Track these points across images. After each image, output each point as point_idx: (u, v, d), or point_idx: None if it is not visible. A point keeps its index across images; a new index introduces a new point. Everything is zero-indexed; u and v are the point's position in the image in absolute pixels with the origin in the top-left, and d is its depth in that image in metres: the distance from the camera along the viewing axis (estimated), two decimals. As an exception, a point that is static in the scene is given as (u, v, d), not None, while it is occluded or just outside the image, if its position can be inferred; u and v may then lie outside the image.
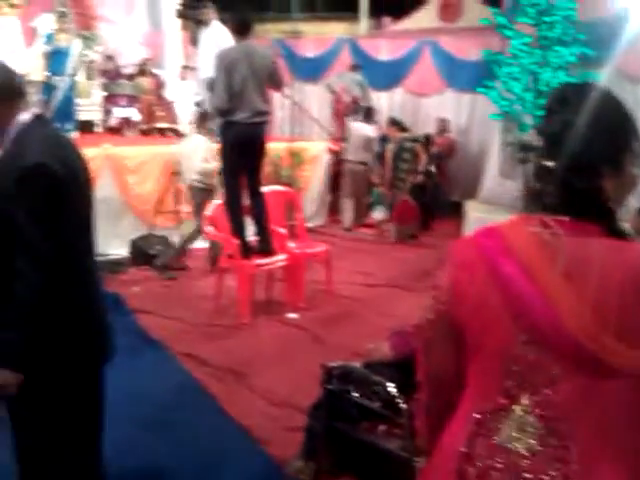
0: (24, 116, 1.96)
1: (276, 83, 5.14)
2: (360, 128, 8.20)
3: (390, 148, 8.06)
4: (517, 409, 1.16)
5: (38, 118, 1.99)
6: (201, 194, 5.99)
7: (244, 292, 5.05)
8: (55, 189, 1.87)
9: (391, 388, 2.58)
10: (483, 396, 1.20)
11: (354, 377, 2.71)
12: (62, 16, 7.79)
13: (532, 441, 1.14)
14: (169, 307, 5.21)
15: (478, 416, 1.19)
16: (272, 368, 4.20)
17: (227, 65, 4.80)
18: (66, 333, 1.96)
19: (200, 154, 6.04)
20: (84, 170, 2.07)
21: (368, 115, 8.45)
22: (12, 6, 8.53)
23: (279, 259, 5.15)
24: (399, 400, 2.51)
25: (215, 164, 5.80)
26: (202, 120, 6.35)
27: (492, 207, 7.53)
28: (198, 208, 5.86)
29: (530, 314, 1.12)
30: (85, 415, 2.09)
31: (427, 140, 8.87)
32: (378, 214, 8.28)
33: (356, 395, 2.67)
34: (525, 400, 1.15)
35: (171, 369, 4.20)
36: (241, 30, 4.94)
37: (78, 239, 2.03)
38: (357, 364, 2.92)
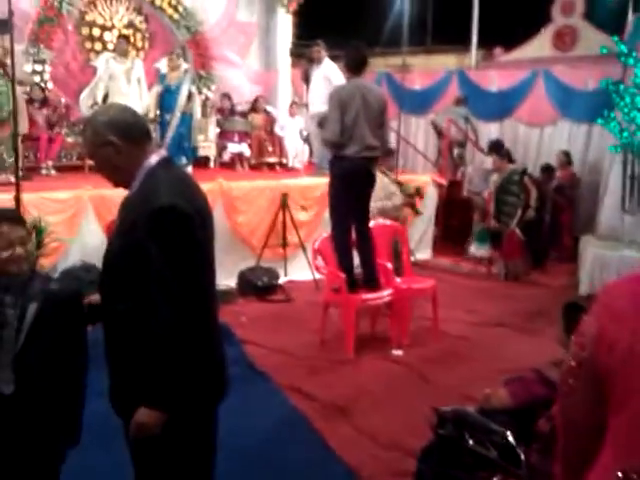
0: (152, 158, 2.00)
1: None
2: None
3: (495, 180, 7.72)
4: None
5: (165, 160, 2.03)
6: None
7: (349, 327, 5.01)
8: (187, 229, 1.88)
9: (510, 437, 2.44)
10: (627, 453, 1.11)
11: (469, 423, 2.58)
12: (173, 56, 8.19)
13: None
14: (275, 339, 5.26)
15: (620, 475, 1.10)
16: (377, 406, 4.11)
17: (340, 101, 4.87)
18: (194, 369, 1.94)
19: (381, 192, 6.09)
20: (208, 208, 2.09)
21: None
22: (137, 49, 9.18)
23: (385, 294, 5.08)
24: (518, 450, 2.37)
25: (395, 201, 5.85)
26: (382, 158, 6.35)
27: (611, 243, 7.10)
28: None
29: None
30: (201, 453, 2.09)
31: (546, 171, 8.54)
32: (477, 250, 7.93)
33: (471, 442, 2.54)
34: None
35: (276, 402, 4.20)
36: (355, 67, 5.00)
37: (205, 275, 2.04)
38: (471, 409, 2.79)
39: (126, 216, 1.98)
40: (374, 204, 6.06)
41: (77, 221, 5.81)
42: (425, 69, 11.31)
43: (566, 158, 8.77)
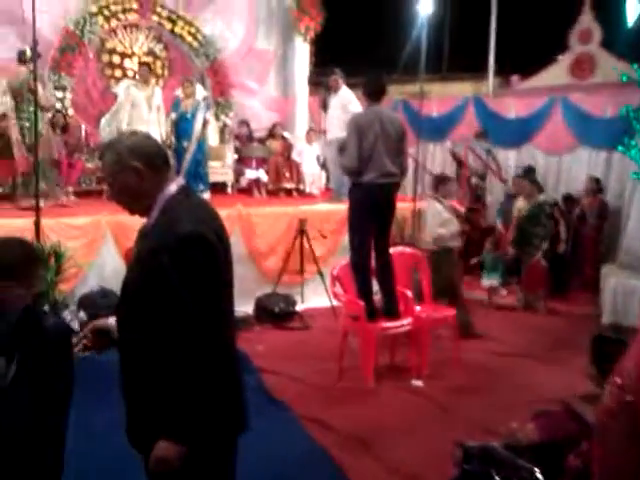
0: (171, 186, 1.98)
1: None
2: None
3: (521, 207, 7.54)
4: None
5: (183, 188, 2.01)
6: (440, 257, 5.94)
7: (369, 356, 4.93)
8: (210, 256, 1.87)
9: (539, 474, 2.36)
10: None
11: (497, 459, 2.50)
12: (187, 83, 8.26)
13: None
14: (293, 367, 5.19)
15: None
16: (398, 439, 4.02)
17: (358, 128, 4.87)
18: (215, 399, 1.90)
19: (435, 219, 6.07)
20: (226, 234, 2.07)
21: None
22: (157, 76, 9.29)
23: (405, 323, 5.01)
24: (547, 489, 2.28)
25: (452, 228, 5.84)
26: (437, 185, 6.34)
27: (633, 273, 6.97)
28: (437, 272, 5.73)
29: None
30: None
31: (568, 200, 8.44)
32: (489, 279, 7.58)
33: (498, 479, 2.46)
34: None
35: (295, 432, 4.13)
36: (374, 95, 5.01)
37: (225, 303, 2.01)
38: (497, 444, 2.71)
39: (146, 244, 1.95)
40: (429, 232, 6.04)
41: (95, 246, 5.83)
42: (441, 96, 11.33)
43: (596, 185, 8.44)
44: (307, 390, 4.79)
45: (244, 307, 6.30)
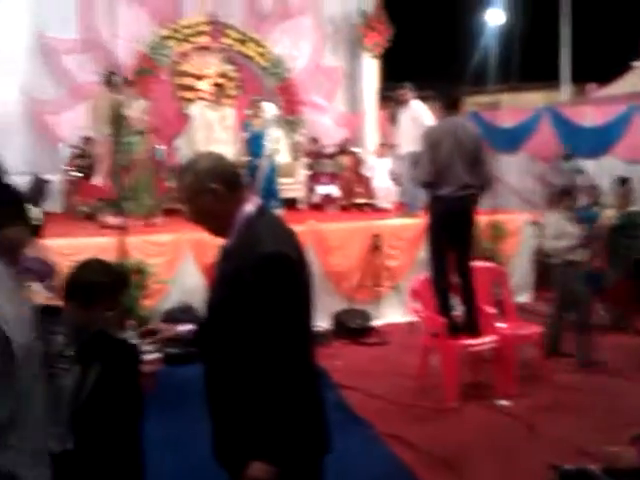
0: (248, 206, 1.98)
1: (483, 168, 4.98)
2: None
3: (611, 216, 7.12)
4: None
5: (261, 207, 2.01)
6: (563, 271, 5.77)
7: (450, 374, 4.81)
8: (292, 275, 1.87)
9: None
10: None
11: (596, 484, 2.36)
12: (254, 102, 8.37)
13: None
14: (372, 383, 5.13)
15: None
16: (484, 459, 3.89)
17: (433, 141, 4.82)
18: (303, 419, 1.89)
19: (550, 231, 5.94)
20: (303, 252, 2.05)
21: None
22: (229, 97, 9.49)
23: (488, 340, 4.87)
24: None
25: (569, 241, 5.72)
26: (556, 199, 6.22)
27: None
28: (560, 286, 5.65)
29: None
30: None
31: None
32: None
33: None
34: None
35: (378, 450, 4.06)
36: (450, 106, 4.95)
37: (307, 320, 2.00)
38: (595, 468, 2.56)
39: (229, 265, 1.96)
40: (546, 245, 5.84)
41: (176, 263, 5.97)
42: (512, 106, 11.10)
43: None
44: (387, 407, 4.71)
45: (321, 322, 6.30)
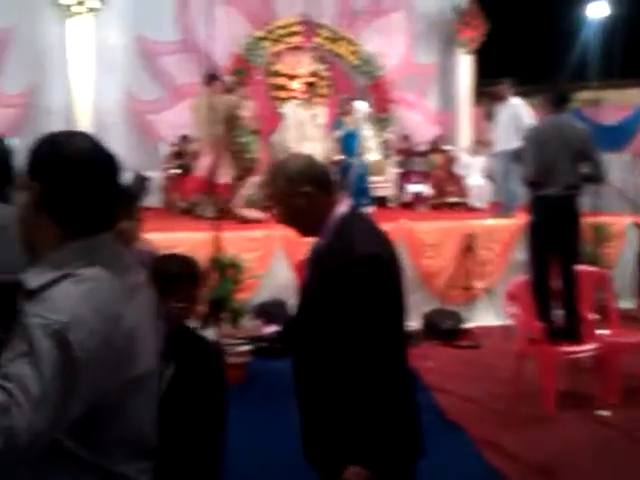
0: (341, 207, 1.96)
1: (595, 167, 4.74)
2: None
3: None
4: None
5: (353, 208, 1.99)
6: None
7: (548, 380, 4.62)
8: (387, 276, 1.86)
9: None
10: None
11: None
12: (343, 101, 8.36)
13: None
14: (464, 387, 5.01)
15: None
16: (584, 470, 3.73)
17: (536, 140, 4.67)
18: (396, 424, 1.85)
19: None
20: (396, 252, 2.02)
21: None
22: (320, 96, 9.56)
23: (589, 348, 4.63)
24: None
25: None
26: None
27: None
28: None
29: None
30: None
31: None
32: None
33: None
34: None
35: (470, 456, 3.95)
36: (557, 103, 4.76)
37: (400, 321, 1.98)
38: None
39: (321, 267, 1.94)
40: None
41: (269, 259, 6.08)
42: (615, 103, 10.55)
43: None
44: (481, 412, 4.59)
45: (411, 322, 6.22)
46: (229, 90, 7.48)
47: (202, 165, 7.36)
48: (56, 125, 7.07)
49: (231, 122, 7.23)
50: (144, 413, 1.33)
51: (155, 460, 1.36)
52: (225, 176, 7.23)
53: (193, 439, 2.10)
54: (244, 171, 7.21)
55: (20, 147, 1.87)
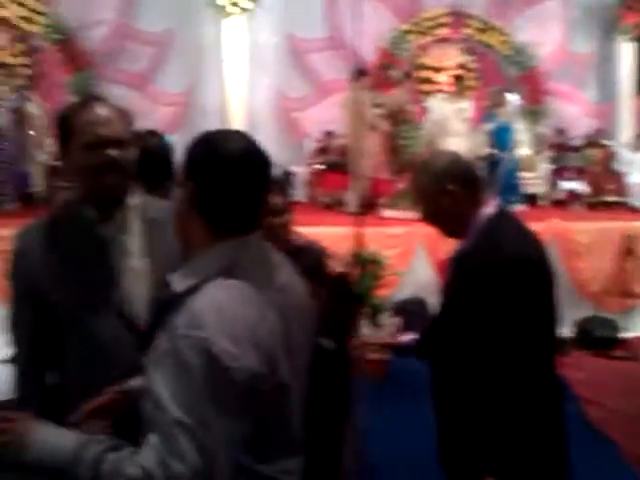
0: (488, 207, 1.89)
1: None
2: None
3: None
4: None
5: (501, 208, 1.91)
6: None
7: None
8: (535, 279, 1.78)
9: None
10: None
11: None
12: (494, 93, 8.03)
13: None
14: (618, 400, 4.66)
15: None
16: None
17: None
18: (541, 438, 1.76)
19: None
20: (547, 254, 1.90)
21: None
22: (468, 89, 9.28)
23: None
24: None
25: None
26: None
27: None
28: None
29: None
30: None
31: None
32: None
33: None
34: None
35: (622, 472, 3.71)
36: None
37: (550, 328, 1.87)
38: None
39: (465, 267, 1.87)
40: None
41: (409, 256, 6.03)
42: None
43: None
44: (636, 428, 4.24)
45: (561, 329, 5.88)
46: (395, 84, 7.49)
47: (353, 161, 7.42)
48: (211, 123, 7.45)
49: (397, 117, 7.24)
50: (295, 413, 1.31)
51: (302, 456, 1.34)
52: (382, 172, 7.27)
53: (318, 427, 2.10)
54: (403, 167, 7.17)
55: (178, 144, 1.98)
